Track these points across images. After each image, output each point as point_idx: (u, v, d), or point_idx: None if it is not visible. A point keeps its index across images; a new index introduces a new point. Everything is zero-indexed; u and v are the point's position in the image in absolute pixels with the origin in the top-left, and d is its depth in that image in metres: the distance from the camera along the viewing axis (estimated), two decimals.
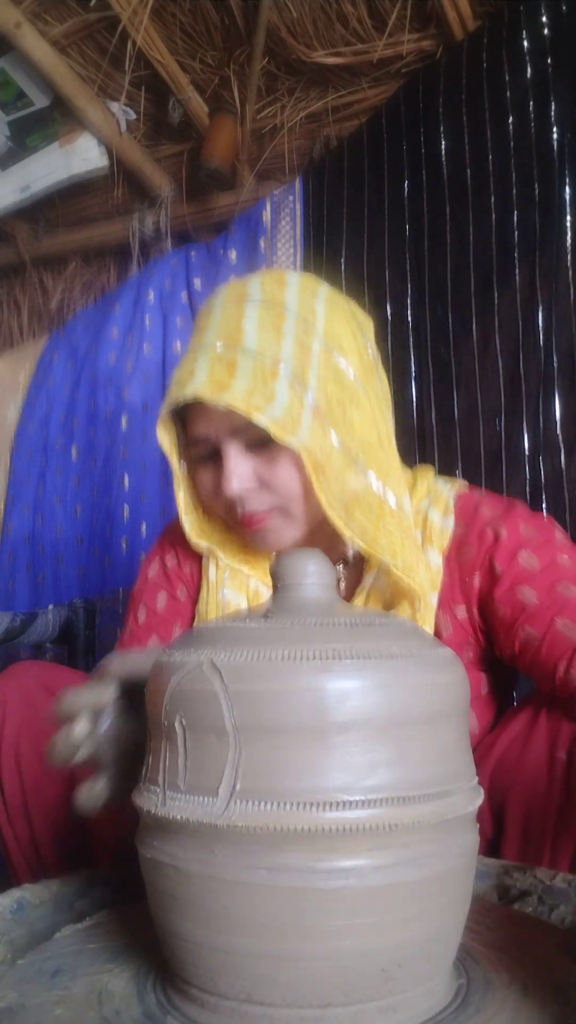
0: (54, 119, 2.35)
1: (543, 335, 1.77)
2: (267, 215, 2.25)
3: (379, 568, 1.00)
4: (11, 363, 2.61)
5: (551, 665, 0.91)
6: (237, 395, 0.90)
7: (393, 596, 0.98)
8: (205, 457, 0.99)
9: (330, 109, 2.24)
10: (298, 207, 2.22)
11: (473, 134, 1.91)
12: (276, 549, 1.01)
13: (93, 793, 0.69)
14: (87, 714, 0.69)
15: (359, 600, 1.01)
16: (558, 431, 1.74)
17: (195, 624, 1.08)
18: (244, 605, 1.04)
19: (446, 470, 1.11)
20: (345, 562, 1.05)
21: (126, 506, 2.23)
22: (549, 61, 1.83)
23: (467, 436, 1.85)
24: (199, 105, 2.30)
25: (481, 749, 0.97)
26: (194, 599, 1.10)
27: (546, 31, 1.83)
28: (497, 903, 0.79)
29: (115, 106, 2.30)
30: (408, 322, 1.95)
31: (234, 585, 1.05)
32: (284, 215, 2.23)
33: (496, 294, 1.85)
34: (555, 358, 1.76)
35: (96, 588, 2.22)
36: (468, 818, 0.60)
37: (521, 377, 1.79)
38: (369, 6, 2.01)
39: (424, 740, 0.57)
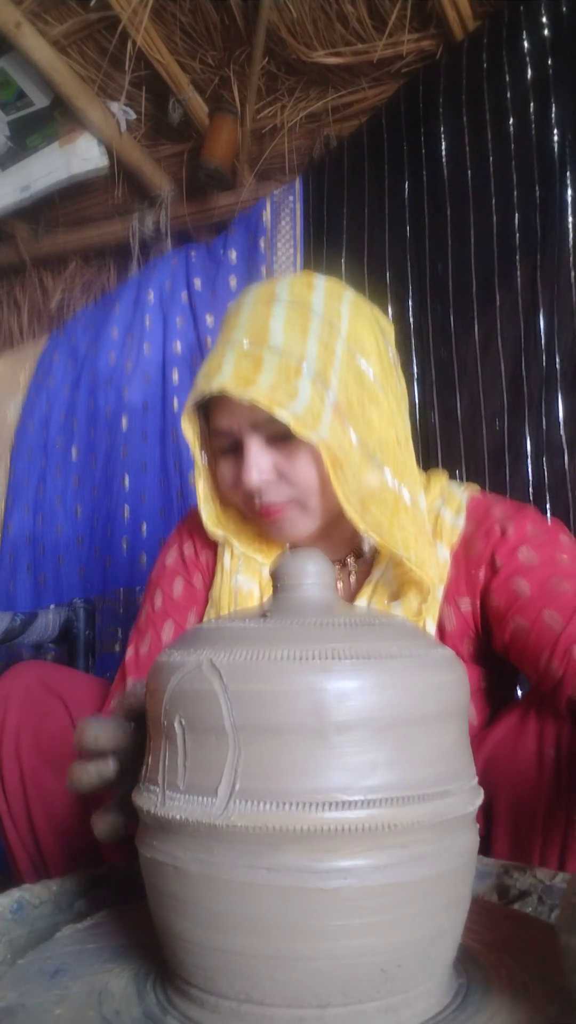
0: (54, 119, 2.35)
1: (545, 336, 1.78)
2: (267, 215, 2.25)
3: (388, 562, 1.02)
4: (11, 363, 2.61)
5: (535, 655, 0.93)
6: (261, 390, 0.92)
7: (400, 587, 1.00)
8: (227, 449, 1.02)
9: (330, 109, 2.24)
10: (298, 207, 2.22)
11: (473, 134, 1.91)
12: (291, 540, 1.04)
13: (112, 826, 0.71)
14: (113, 756, 0.71)
15: (367, 592, 1.03)
16: (561, 432, 1.75)
17: (207, 610, 1.11)
18: (256, 591, 1.06)
19: (448, 471, 1.13)
20: (358, 555, 1.07)
21: (126, 506, 2.23)
22: (550, 62, 1.83)
23: (469, 437, 1.85)
24: (199, 105, 2.30)
25: (473, 744, 0.97)
26: (208, 586, 1.13)
27: (546, 32, 1.84)
28: (497, 903, 0.79)
29: (115, 106, 2.30)
30: (410, 323, 1.95)
31: (247, 572, 1.07)
32: (284, 215, 2.23)
33: (497, 295, 1.85)
34: (557, 359, 1.76)
35: (98, 588, 2.22)
36: (468, 818, 0.60)
37: (523, 378, 1.79)
38: (369, 6, 2.01)
39: (423, 740, 0.57)
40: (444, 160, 1.94)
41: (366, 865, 0.54)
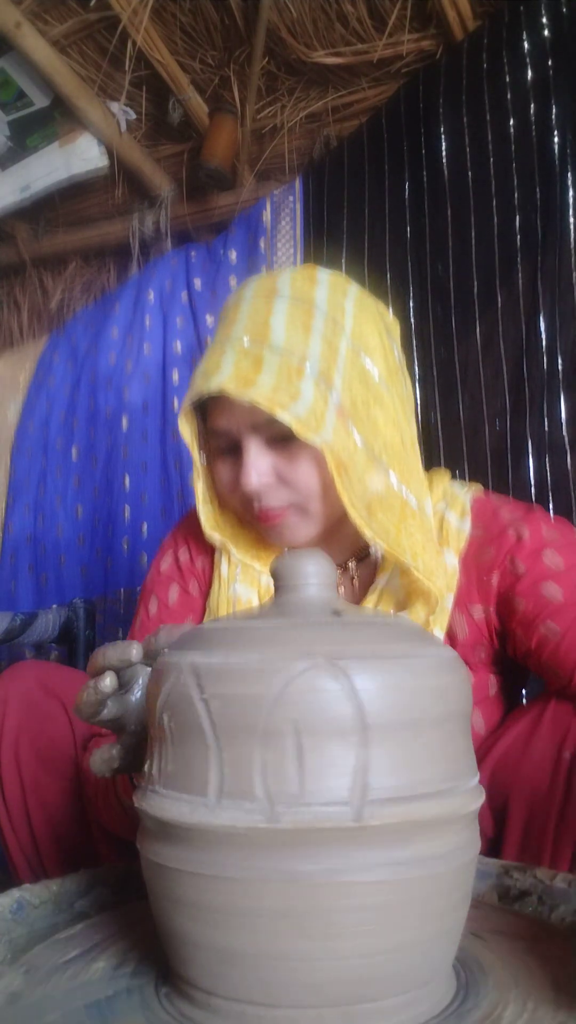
0: (54, 119, 2.35)
1: (546, 336, 1.78)
2: (267, 215, 2.25)
3: (393, 569, 0.99)
4: (11, 363, 2.61)
5: (569, 663, 0.91)
6: (262, 391, 0.89)
7: (408, 597, 0.98)
8: (225, 450, 0.99)
9: (330, 109, 2.24)
10: (298, 207, 2.22)
11: (474, 134, 1.91)
12: (290, 545, 1.00)
13: (108, 757, 0.69)
14: (113, 671, 0.68)
15: (371, 600, 1.00)
16: (563, 431, 1.75)
17: (204, 619, 1.08)
18: (255, 600, 1.03)
19: (451, 471, 1.11)
20: (359, 559, 1.04)
21: (127, 506, 2.24)
22: (550, 62, 1.83)
23: (471, 437, 1.85)
24: (199, 105, 2.30)
25: (482, 748, 0.97)
26: (205, 593, 1.10)
27: (546, 32, 1.84)
28: (497, 903, 0.79)
29: (115, 106, 2.30)
30: (411, 323, 1.95)
31: (246, 580, 1.04)
32: (284, 215, 2.23)
33: (498, 295, 1.85)
34: (559, 359, 1.76)
35: (99, 589, 2.22)
36: (469, 818, 0.60)
37: (524, 378, 1.79)
38: (369, 6, 2.01)
39: (424, 740, 0.57)
40: (444, 160, 1.94)
41: (366, 865, 0.54)
